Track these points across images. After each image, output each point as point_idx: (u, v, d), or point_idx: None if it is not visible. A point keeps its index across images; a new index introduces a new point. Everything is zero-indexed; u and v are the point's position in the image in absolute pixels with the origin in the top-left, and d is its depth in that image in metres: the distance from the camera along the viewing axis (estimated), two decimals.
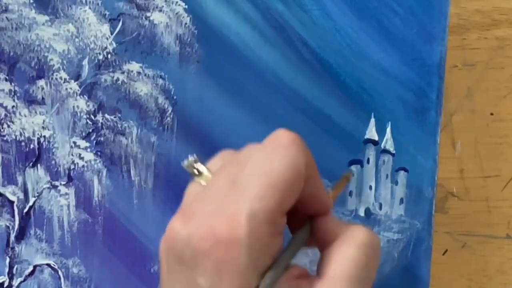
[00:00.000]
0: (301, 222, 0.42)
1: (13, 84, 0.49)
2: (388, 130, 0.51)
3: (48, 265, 0.49)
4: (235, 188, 0.38)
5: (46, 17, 0.49)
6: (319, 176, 0.41)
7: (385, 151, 0.51)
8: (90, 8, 0.49)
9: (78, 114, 0.49)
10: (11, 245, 0.49)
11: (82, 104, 0.49)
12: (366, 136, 0.51)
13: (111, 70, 0.49)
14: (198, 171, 0.42)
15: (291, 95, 0.50)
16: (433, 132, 0.51)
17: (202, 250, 0.37)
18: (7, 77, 0.49)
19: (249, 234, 0.37)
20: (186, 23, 0.50)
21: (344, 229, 0.41)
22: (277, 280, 0.38)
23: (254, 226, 0.37)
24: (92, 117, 0.49)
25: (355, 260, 0.40)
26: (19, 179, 0.49)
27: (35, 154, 0.49)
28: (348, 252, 0.40)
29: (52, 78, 0.49)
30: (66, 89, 0.49)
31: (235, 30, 0.50)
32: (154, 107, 0.49)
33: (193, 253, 0.38)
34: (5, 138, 0.49)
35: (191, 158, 0.42)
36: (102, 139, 0.49)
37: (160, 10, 0.49)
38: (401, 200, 0.51)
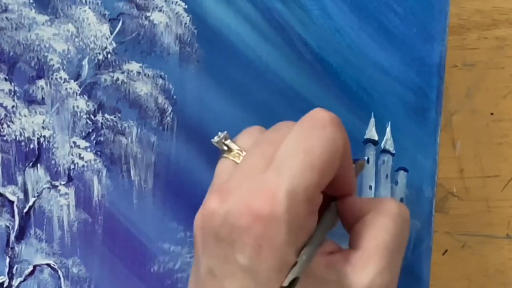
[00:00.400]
0: (325, 202, 0.42)
1: (13, 84, 0.49)
2: (388, 130, 0.51)
3: (48, 265, 0.49)
4: (273, 166, 0.39)
5: (46, 17, 0.49)
6: (351, 156, 0.42)
7: (385, 151, 0.51)
8: (90, 8, 0.49)
9: (78, 114, 0.49)
10: (11, 245, 0.49)
11: (82, 104, 0.49)
12: (366, 136, 0.51)
13: (111, 70, 0.49)
14: (228, 147, 0.42)
15: (291, 95, 0.50)
16: (433, 132, 0.51)
17: (241, 227, 0.38)
18: (7, 77, 0.49)
19: (288, 210, 0.37)
20: (186, 23, 0.50)
21: (375, 203, 0.42)
22: (313, 256, 0.39)
23: (293, 203, 0.38)
24: (92, 117, 0.49)
25: (389, 231, 0.41)
26: (19, 179, 0.49)
27: (35, 154, 0.49)
28: (382, 223, 0.41)
29: (52, 78, 0.49)
30: (66, 89, 0.49)
31: (235, 30, 0.50)
32: (154, 107, 0.49)
33: (231, 230, 0.38)
34: (5, 138, 0.49)
35: (221, 134, 0.43)
36: (102, 139, 0.49)
37: (160, 10, 0.49)
38: (401, 200, 0.51)
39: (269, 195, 0.38)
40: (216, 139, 0.43)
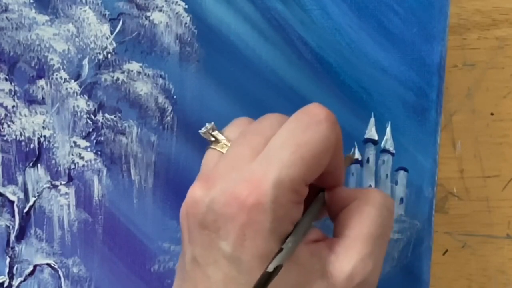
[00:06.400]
0: (313, 193, 0.43)
1: (13, 84, 0.49)
2: (388, 129, 0.51)
3: (48, 264, 0.49)
4: (262, 156, 0.39)
5: (46, 17, 0.49)
6: (342, 151, 0.42)
7: (385, 150, 0.51)
8: (90, 8, 0.49)
9: (78, 113, 0.49)
10: (11, 245, 0.49)
11: (82, 103, 0.49)
12: (366, 136, 0.51)
13: (111, 69, 0.49)
14: (215, 138, 0.43)
15: (290, 94, 0.50)
16: (433, 132, 0.51)
17: (226, 215, 0.38)
18: (7, 77, 0.49)
19: (274, 200, 0.38)
20: (186, 23, 0.50)
21: (360, 192, 0.43)
22: (298, 244, 0.39)
23: (279, 192, 0.38)
24: (92, 116, 0.49)
25: (373, 219, 0.41)
26: (19, 179, 0.49)
27: (35, 154, 0.49)
28: (365, 212, 0.41)
29: (52, 78, 0.49)
30: (66, 88, 0.49)
31: (235, 29, 0.50)
32: (154, 106, 0.49)
33: (216, 218, 0.38)
34: (5, 138, 0.49)
35: (208, 125, 0.43)
36: (102, 138, 0.49)
37: (160, 10, 0.49)
38: (401, 200, 0.51)
39: (255, 184, 0.38)
40: (203, 130, 0.44)
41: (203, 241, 0.39)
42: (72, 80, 0.49)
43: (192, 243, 0.40)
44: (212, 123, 0.44)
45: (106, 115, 0.49)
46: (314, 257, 0.40)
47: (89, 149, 0.49)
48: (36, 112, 0.49)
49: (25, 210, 0.49)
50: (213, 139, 0.44)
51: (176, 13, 0.49)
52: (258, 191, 0.38)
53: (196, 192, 0.40)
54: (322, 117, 0.40)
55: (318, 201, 0.43)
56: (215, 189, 0.39)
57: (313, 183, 0.41)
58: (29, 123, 0.49)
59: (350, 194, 0.43)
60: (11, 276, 0.49)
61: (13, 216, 0.49)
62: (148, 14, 0.49)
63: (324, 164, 0.40)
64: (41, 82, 0.49)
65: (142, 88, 0.49)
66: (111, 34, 0.49)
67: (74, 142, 0.49)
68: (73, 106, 0.49)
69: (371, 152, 0.51)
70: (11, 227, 0.49)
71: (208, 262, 0.39)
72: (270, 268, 0.37)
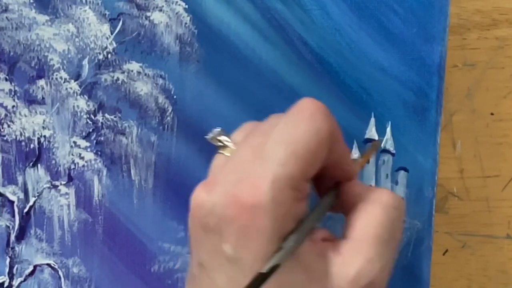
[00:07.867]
0: (329, 187, 0.42)
1: (13, 84, 0.49)
2: (388, 130, 0.51)
3: (48, 265, 0.49)
4: (259, 157, 0.39)
5: (46, 17, 0.49)
6: (344, 143, 0.41)
7: (385, 150, 0.51)
8: (90, 8, 0.49)
9: (78, 113, 0.49)
10: (11, 245, 0.49)
11: (82, 103, 0.49)
12: (366, 136, 0.51)
13: (111, 69, 0.49)
14: (223, 143, 0.43)
15: (290, 94, 0.50)
16: (433, 132, 0.51)
17: (227, 217, 0.38)
18: (7, 77, 0.49)
19: (272, 199, 0.37)
20: (186, 23, 0.50)
21: (369, 192, 0.42)
22: (300, 243, 0.38)
23: (277, 192, 0.37)
24: (92, 116, 0.49)
25: (380, 221, 0.41)
26: (19, 179, 0.49)
27: (35, 154, 0.49)
28: (373, 213, 0.41)
29: (52, 78, 0.49)
30: (66, 89, 0.49)
31: (235, 29, 0.50)
32: (154, 106, 0.49)
33: (217, 221, 0.38)
34: (5, 138, 0.49)
35: (215, 130, 0.43)
36: (102, 138, 0.49)
37: (160, 10, 0.49)
38: None
39: (254, 184, 0.38)
40: (210, 135, 0.44)
41: (208, 245, 0.39)
42: (72, 80, 0.49)
43: (198, 247, 0.40)
44: (220, 128, 0.44)
45: (106, 115, 0.49)
46: (320, 257, 0.40)
47: (89, 149, 0.49)
48: (36, 112, 0.49)
49: (25, 210, 0.49)
50: (220, 144, 0.43)
51: (176, 13, 0.49)
52: (256, 191, 0.37)
53: (198, 196, 0.40)
54: (312, 110, 0.39)
55: (327, 198, 0.43)
56: (216, 192, 0.39)
57: (326, 176, 0.41)
58: (29, 123, 0.49)
59: (360, 193, 0.42)
60: (11, 276, 0.49)
61: (13, 216, 0.49)
62: (148, 14, 0.49)
63: (321, 157, 0.39)
64: (41, 82, 0.49)
65: (142, 88, 0.49)
66: (111, 34, 0.49)
67: (74, 142, 0.49)
68: (73, 106, 0.49)
69: None
70: (11, 227, 0.49)
71: (213, 266, 0.39)
72: (264, 269, 0.37)
